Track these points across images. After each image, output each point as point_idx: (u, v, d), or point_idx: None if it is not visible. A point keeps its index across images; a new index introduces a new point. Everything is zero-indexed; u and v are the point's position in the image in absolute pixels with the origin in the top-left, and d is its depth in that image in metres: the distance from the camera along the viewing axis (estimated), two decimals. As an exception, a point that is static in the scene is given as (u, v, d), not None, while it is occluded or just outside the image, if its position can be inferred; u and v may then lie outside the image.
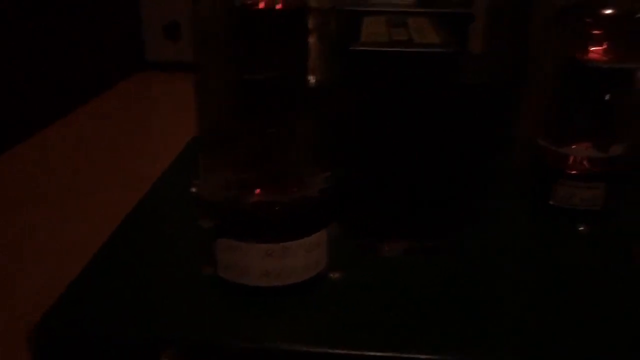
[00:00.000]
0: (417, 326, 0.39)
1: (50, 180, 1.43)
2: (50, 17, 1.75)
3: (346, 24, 0.49)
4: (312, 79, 0.36)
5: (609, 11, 0.47)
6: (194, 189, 0.45)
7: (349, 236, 0.46)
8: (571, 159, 0.50)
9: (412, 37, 0.46)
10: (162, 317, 0.39)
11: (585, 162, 0.50)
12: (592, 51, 0.48)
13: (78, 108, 1.86)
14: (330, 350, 0.38)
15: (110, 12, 2.08)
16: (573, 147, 0.50)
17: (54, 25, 1.76)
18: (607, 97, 0.48)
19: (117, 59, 2.12)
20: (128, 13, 2.19)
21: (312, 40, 0.36)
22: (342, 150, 0.43)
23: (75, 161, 1.54)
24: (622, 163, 0.50)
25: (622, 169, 0.49)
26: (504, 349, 0.38)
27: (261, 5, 0.34)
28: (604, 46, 0.48)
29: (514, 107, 0.53)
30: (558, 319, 0.40)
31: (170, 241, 0.47)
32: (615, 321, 0.40)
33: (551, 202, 0.51)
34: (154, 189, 0.54)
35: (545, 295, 0.43)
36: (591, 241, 0.49)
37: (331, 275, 0.42)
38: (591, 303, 0.41)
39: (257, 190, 0.38)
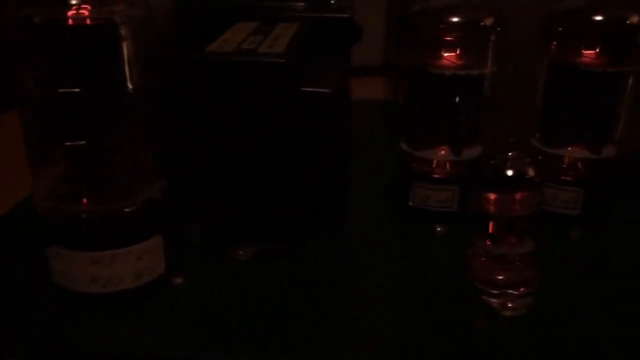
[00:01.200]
0: (261, 331, 0.40)
1: None
2: None
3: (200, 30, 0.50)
4: (130, 88, 0.37)
5: (456, 19, 0.48)
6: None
7: (201, 240, 0.47)
8: (428, 162, 0.51)
9: (261, 46, 0.46)
10: (2, 325, 0.40)
11: (445, 165, 0.52)
12: (445, 57, 0.49)
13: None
14: (163, 353, 0.39)
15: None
16: (430, 150, 0.51)
17: None
18: (456, 101, 0.49)
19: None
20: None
21: (128, 50, 0.36)
22: (183, 157, 0.44)
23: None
24: (478, 165, 0.51)
25: (478, 171, 0.51)
26: (350, 353, 0.39)
27: (70, 21, 0.35)
28: (456, 52, 0.49)
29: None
30: (409, 322, 0.41)
31: (26, 250, 0.47)
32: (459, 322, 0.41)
33: (410, 204, 0.52)
34: (27, 198, 0.55)
35: (397, 297, 0.44)
36: (445, 242, 0.50)
37: (173, 280, 0.43)
38: (443, 304, 0.43)
39: (84, 200, 0.39)
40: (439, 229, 0.51)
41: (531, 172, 0.41)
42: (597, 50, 0.48)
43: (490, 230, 0.42)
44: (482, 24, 0.48)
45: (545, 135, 0.52)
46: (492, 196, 0.41)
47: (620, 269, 0.47)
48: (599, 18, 0.47)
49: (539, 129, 0.52)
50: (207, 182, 0.46)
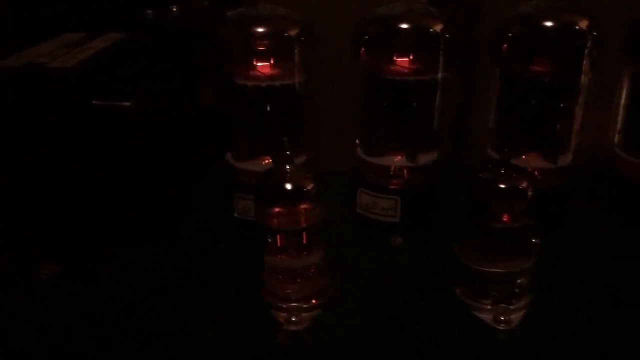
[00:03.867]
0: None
1: None
2: None
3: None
4: None
5: (261, 29, 0.47)
6: None
7: (4, 260, 0.46)
8: (251, 173, 0.51)
9: (58, 59, 0.46)
10: None
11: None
12: (254, 67, 0.48)
13: None
14: None
15: None
16: (252, 161, 0.51)
17: None
18: (268, 110, 0.49)
19: None
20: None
21: None
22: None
23: None
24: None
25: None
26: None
27: None
28: (264, 62, 0.48)
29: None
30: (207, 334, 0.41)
31: None
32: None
33: (235, 215, 0.52)
34: None
35: (200, 311, 0.43)
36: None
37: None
38: (243, 318, 0.42)
39: None
40: (270, 240, 0.50)
41: (309, 185, 0.40)
42: (408, 59, 0.48)
43: (279, 244, 0.42)
44: (286, 34, 0.47)
45: (366, 146, 0.51)
46: (275, 210, 0.41)
47: (436, 277, 0.46)
48: (405, 26, 0.47)
49: (360, 139, 0.52)
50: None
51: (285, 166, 0.40)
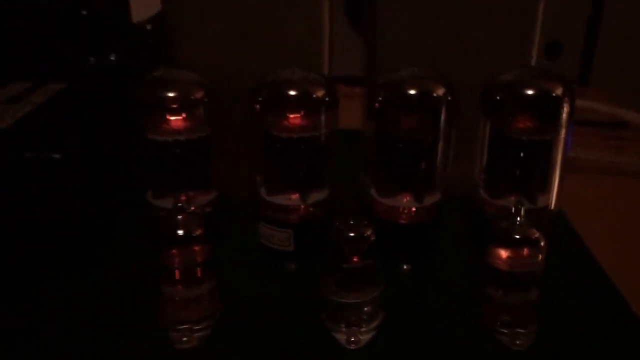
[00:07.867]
0: None
1: None
2: None
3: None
4: None
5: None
6: None
7: None
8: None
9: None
10: None
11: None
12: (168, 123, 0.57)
13: None
14: None
15: None
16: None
17: None
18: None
19: None
20: None
21: None
22: None
23: None
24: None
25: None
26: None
27: None
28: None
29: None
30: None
31: None
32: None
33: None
34: None
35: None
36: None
37: None
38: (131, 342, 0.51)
39: None
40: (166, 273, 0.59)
41: (198, 231, 0.49)
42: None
43: (177, 277, 0.51)
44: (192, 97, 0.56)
45: (265, 186, 0.60)
46: (171, 252, 0.50)
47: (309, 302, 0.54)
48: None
49: (260, 180, 0.61)
50: None
51: (177, 215, 0.49)
